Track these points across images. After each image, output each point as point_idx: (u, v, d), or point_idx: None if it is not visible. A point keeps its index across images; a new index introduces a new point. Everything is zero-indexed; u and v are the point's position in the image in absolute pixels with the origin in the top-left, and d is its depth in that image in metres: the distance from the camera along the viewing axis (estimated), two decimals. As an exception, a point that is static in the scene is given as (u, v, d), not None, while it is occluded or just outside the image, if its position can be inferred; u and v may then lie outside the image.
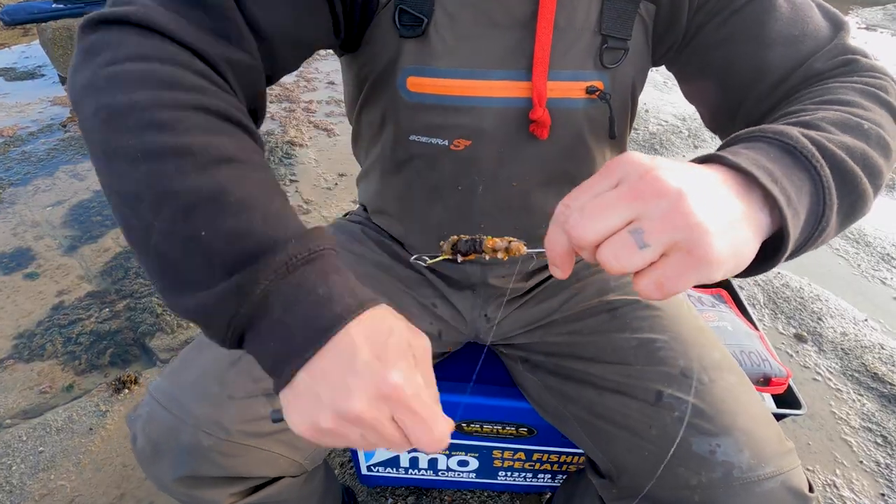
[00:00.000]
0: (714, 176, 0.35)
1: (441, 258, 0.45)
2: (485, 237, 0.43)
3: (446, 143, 0.59)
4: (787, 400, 0.83)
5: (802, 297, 1.63)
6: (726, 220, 0.33)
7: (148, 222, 0.35)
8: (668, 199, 0.32)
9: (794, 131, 0.38)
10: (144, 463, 0.56)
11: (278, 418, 0.37)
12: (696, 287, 1.04)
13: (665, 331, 0.62)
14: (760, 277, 1.71)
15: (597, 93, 0.57)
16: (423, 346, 0.37)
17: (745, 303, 0.99)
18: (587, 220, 0.33)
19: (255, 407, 0.55)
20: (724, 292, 1.03)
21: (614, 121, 0.58)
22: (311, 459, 0.64)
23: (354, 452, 0.93)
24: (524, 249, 0.42)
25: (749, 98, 0.54)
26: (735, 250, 0.33)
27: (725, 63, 0.55)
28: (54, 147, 2.34)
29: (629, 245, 0.32)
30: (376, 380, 0.33)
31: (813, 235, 0.38)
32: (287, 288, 0.35)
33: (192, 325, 1.46)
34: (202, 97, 0.38)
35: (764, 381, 0.83)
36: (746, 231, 0.34)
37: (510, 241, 0.42)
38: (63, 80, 3.03)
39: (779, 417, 0.80)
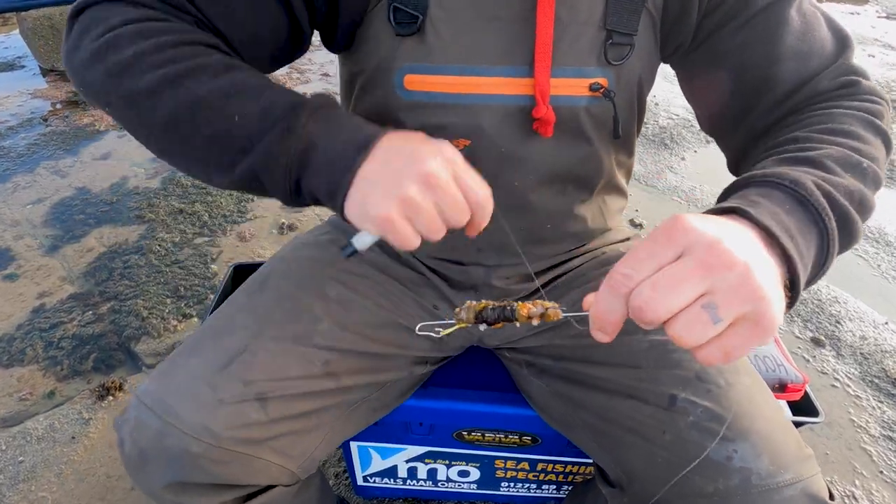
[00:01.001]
0: (753, 238, 0.38)
1: (456, 327, 0.44)
2: (516, 304, 0.42)
3: None
4: (803, 407, 0.83)
5: (820, 300, 1.63)
6: (777, 288, 0.36)
7: (188, 129, 0.45)
8: (736, 271, 0.34)
9: (809, 182, 0.42)
10: (132, 469, 0.56)
11: (350, 248, 0.45)
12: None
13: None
14: (776, 279, 1.71)
15: (601, 90, 0.57)
16: (451, 149, 0.47)
17: (760, 305, 0.99)
18: (661, 297, 0.34)
19: (246, 412, 0.56)
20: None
21: (618, 120, 0.59)
22: (305, 468, 0.64)
23: (350, 462, 0.93)
24: (560, 315, 0.42)
25: (754, 110, 0.57)
26: (782, 314, 0.36)
27: (736, 72, 0.57)
28: (34, 142, 2.34)
29: (704, 321, 0.34)
30: (435, 148, 0.45)
31: (812, 281, 0.43)
32: (323, 125, 0.45)
33: (179, 328, 1.46)
34: (194, 35, 0.47)
35: (780, 388, 0.83)
36: (782, 292, 0.37)
37: (546, 308, 0.42)
38: (44, 72, 3.03)
39: (795, 426, 0.80)
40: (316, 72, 3.06)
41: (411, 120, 0.59)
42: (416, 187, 0.43)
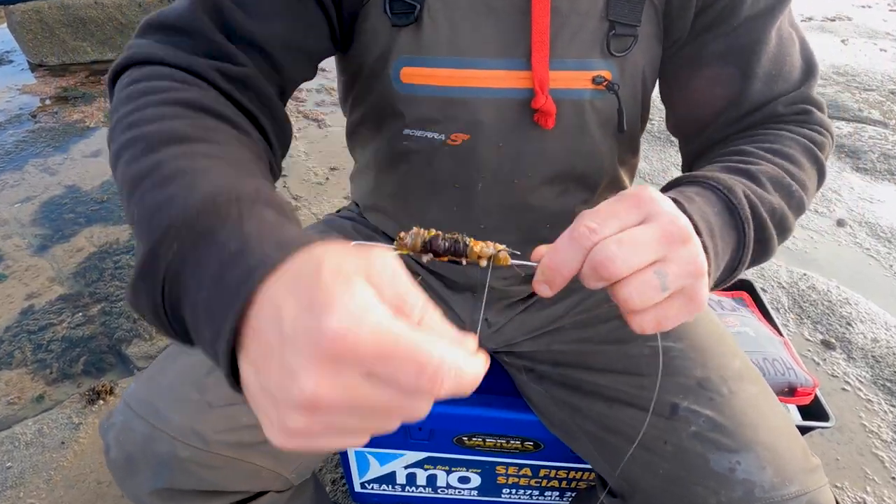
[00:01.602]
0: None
1: (396, 253, 0.38)
2: (469, 240, 0.41)
3: (442, 137, 0.59)
4: (813, 411, 0.83)
5: (830, 301, 1.63)
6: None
7: (126, 207, 0.39)
8: (689, 246, 0.37)
9: (740, 191, 0.46)
10: (118, 475, 0.56)
11: None
12: (716, 290, 1.04)
13: (681, 338, 0.62)
14: (785, 279, 1.71)
15: (604, 83, 0.57)
16: (380, 264, 0.28)
17: (769, 307, 0.99)
18: (624, 255, 0.36)
19: (236, 415, 0.55)
20: (745, 295, 1.03)
21: (623, 113, 0.59)
22: (299, 473, 0.64)
23: (347, 468, 0.93)
24: (509, 261, 0.41)
25: (716, 122, 0.61)
26: None
27: (710, 81, 0.59)
28: (23, 139, 2.34)
29: (654, 285, 0.36)
30: (314, 338, 0.25)
31: (719, 283, 0.47)
32: (195, 254, 0.32)
33: (171, 330, 1.46)
34: (171, 94, 0.44)
35: (789, 392, 0.83)
36: None
37: (499, 250, 0.41)
38: (33, 68, 3.03)
39: (805, 430, 0.80)
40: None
41: (408, 114, 0.59)
42: (299, 418, 0.27)
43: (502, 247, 0.41)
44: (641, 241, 0.36)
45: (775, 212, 0.49)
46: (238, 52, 0.49)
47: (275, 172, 0.50)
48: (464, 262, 0.41)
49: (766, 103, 0.58)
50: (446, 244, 0.40)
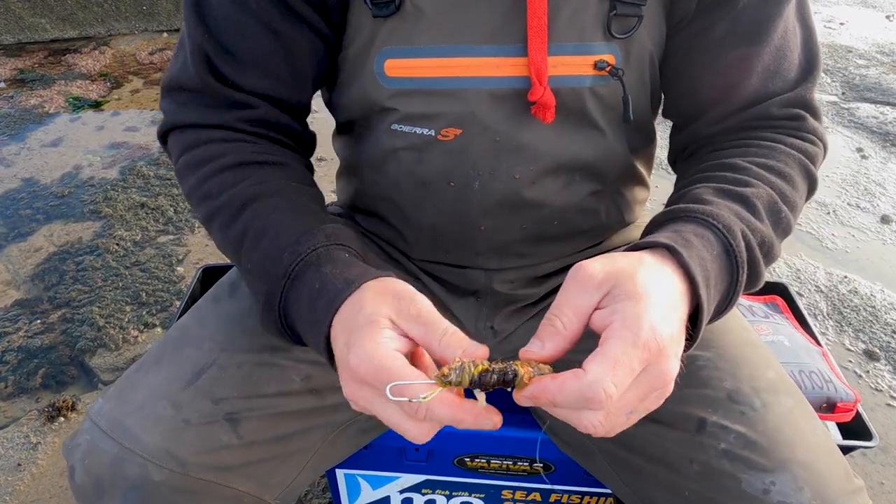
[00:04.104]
0: (678, 300, 0.45)
1: (438, 391, 0.40)
2: (518, 366, 0.42)
3: (432, 132, 0.60)
4: (855, 429, 0.83)
5: (874, 307, 1.64)
6: (676, 369, 0.44)
7: (236, 263, 0.60)
8: (667, 388, 0.43)
9: (738, 232, 0.50)
10: (83, 501, 0.56)
11: None
12: (747, 294, 1.04)
13: (709, 346, 0.62)
14: (824, 282, 1.71)
15: (607, 68, 0.57)
16: (405, 304, 0.44)
17: (805, 313, 0.99)
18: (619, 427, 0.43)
19: (215, 434, 0.56)
20: (779, 300, 1.03)
21: (629, 101, 0.59)
22: (283, 499, 0.64)
23: (336, 493, 0.93)
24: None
25: (706, 115, 0.63)
26: None
27: (705, 70, 0.61)
28: (-25, 126, 2.35)
29: (623, 423, 0.43)
30: (345, 366, 0.44)
31: (706, 325, 0.50)
32: (294, 293, 0.51)
33: (140, 339, 1.46)
34: (221, 160, 0.58)
35: (828, 407, 0.83)
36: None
37: (543, 372, 0.43)
38: (-14, 46, 3.03)
39: (846, 450, 0.80)
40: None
41: (395, 109, 0.60)
42: (349, 398, 0.46)
43: (547, 368, 0.44)
44: (634, 406, 0.43)
45: (765, 243, 0.53)
46: (248, 97, 0.60)
47: (312, 170, 0.69)
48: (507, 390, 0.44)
49: (759, 102, 0.60)
50: (495, 377, 0.41)
